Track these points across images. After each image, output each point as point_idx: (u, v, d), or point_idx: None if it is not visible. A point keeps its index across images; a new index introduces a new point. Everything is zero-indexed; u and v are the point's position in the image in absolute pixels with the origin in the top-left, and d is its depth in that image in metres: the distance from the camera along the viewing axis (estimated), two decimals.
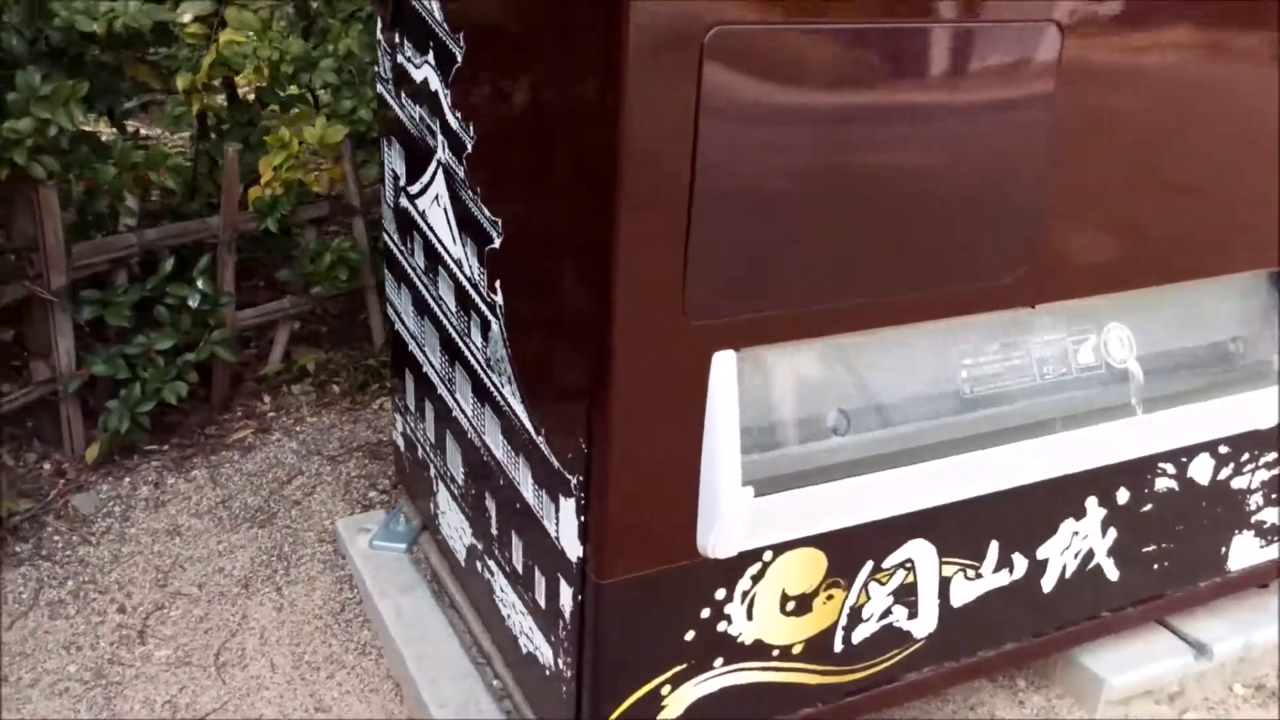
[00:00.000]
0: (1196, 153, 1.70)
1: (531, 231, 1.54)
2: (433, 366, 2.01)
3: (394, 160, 2.09)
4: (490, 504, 1.83)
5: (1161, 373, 1.83)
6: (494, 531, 1.84)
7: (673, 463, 1.45)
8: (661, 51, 1.24)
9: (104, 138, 2.97)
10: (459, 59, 1.68)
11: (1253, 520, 2.12)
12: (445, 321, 1.91)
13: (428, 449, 2.15)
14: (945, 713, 2.04)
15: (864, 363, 1.58)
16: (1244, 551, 2.14)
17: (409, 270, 2.09)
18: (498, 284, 1.64)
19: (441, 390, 1.99)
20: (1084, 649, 2.08)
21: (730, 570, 1.56)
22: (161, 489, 2.55)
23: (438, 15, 1.71)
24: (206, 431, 2.79)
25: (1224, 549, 2.11)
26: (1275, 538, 2.17)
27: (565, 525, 1.52)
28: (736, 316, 1.41)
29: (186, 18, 2.85)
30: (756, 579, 1.59)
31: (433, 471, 2.14)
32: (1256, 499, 2.09)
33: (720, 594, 1.57)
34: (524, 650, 1.78)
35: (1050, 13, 1.44)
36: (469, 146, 1.70)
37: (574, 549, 1.51)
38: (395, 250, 2.17)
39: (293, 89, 3.00)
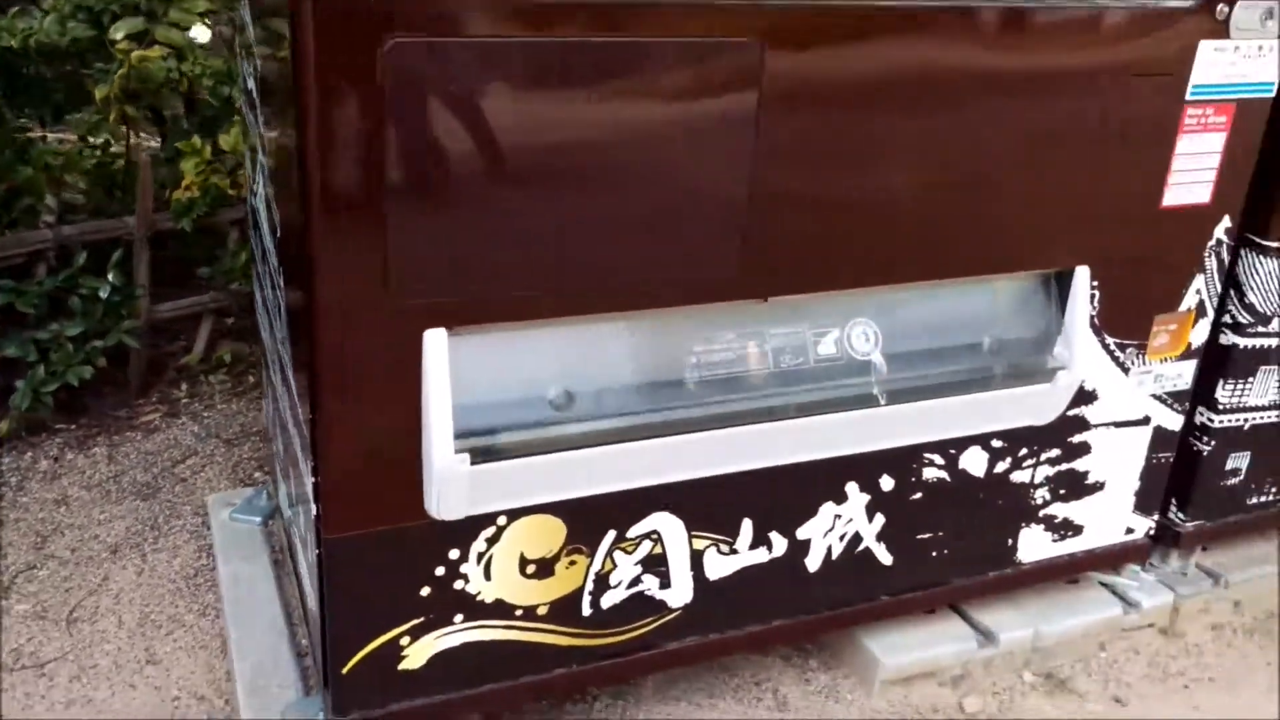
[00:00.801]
0: (942, 158, 1.82)
1: (286, 223, 1.72)
2: (273, 351, 2.20)
3: (252, 163, 2.29)
4: (291, 474, 2.01)
5: (924, 367, 1.95)
6: (292, 499, 2.02)
7: (394, 430, 1.61)
8: (343, 61, 1.41)
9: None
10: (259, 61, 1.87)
11: (1041, 514, 2.21)
12: (271, 310, 2.10)
13: (274, 428, 2.34)
14: (730, 685, 2.16)
15: (593, 347, 1.72)
16: (1034, 545, 2.24)
17: (257, 264, 2.29)
18: (282, 273, 1.83)
19: (275, 373, 2.18)
20: (868, 630, 2.19)
21: (463, 532, 1.71)
22: (60, 463, 2.77)
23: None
24: (117, 414, 3.01)
25: (1011, 541, 2.21)
26: (1070, 532, 2.26)
27: (310, 486, 1.69)
28: (443, 298, 1.57)
29: (119, 35, 3.09)
30: (492, 541, 1.74)
31: (277, 448, 2.32)
32: (1043, 493, 2.19)
33: (454, 554, 1.72)
34: (310, 606, 1.94)
35: (748, 28, 1.58)
36: (263, 146, 1.88)
37: (313, 508, 1.67)
38: (253, 247, 2.37)
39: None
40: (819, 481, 1.96)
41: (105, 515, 2.60)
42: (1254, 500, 2.46)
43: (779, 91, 1.61)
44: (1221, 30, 1.88)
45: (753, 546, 1.96)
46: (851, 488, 1.99)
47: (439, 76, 1.45)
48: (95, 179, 3.09)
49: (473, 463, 1.63)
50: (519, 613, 1.82)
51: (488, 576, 1.76)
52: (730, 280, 1.73)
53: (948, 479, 2.07)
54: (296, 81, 1.43)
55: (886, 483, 2.02)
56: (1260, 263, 2.18)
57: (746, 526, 1.94)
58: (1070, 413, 2.12)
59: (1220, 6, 1.86)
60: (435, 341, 1.57)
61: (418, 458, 1.63)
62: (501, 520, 1.73)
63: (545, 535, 1.78)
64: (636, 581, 1.89)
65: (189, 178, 3.08)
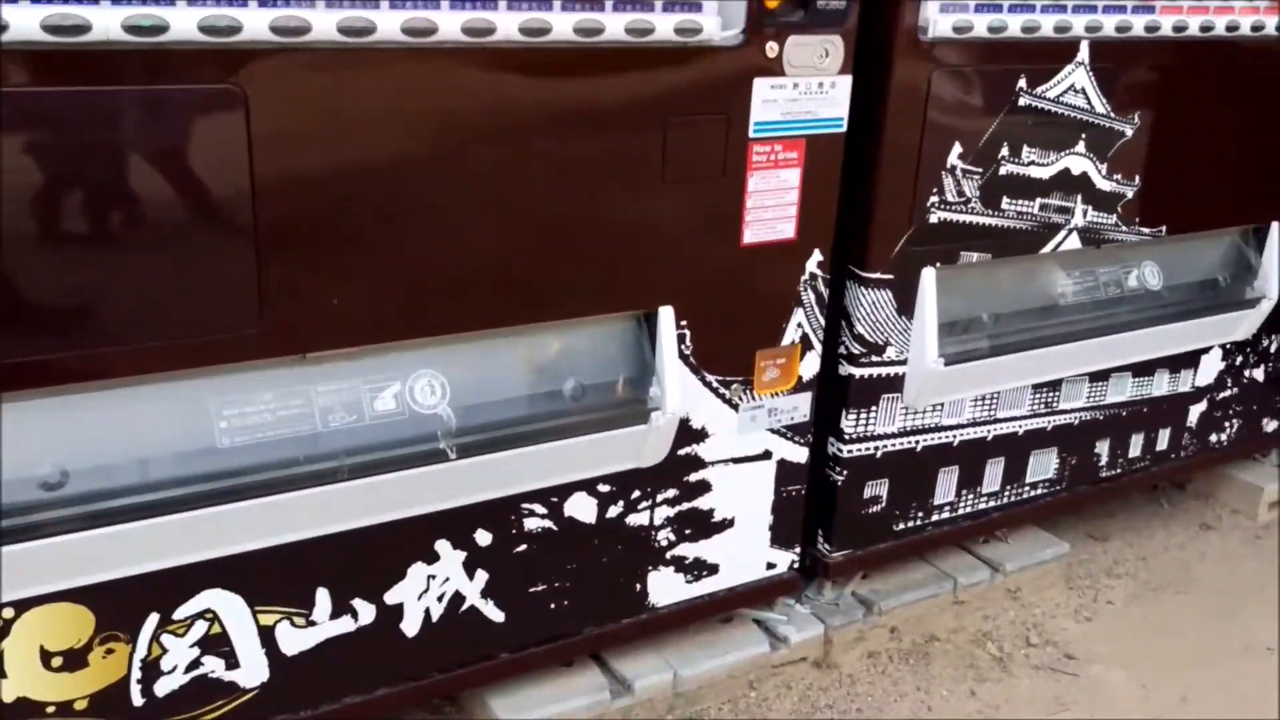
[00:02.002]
0: (498, 201, 1.76)
1: None
2: None
3: None
4: None
5: (505, 416, 1.89)
6: None
7: None
8: None
9: None
10: None
11: (669, 556, 2.18)
12: None
13: None
14: None
15: (101, 416, 1.60)
16: (667, 588, 2.20)
17: None
18: None
19: None
20: (494, 689, 2.11)
21: None
22: None
23: None
24: None
25: (639, 586, 2.17)
26: (705, 572, 2.24)
27: None
28: None
29: None
30: (0, 636, 1.59)
31: None
32: (666, 535, 2.15)
33: None
34: None
35: (230, 78, 1.50)
36: None
37: None
38: None
39: None
40: (402, 543, 1.87)
41: None
42: (902, 526, 2.49)
43: (270, 136, 1.53)
44: (777, 68, 1.89)
45: (334, 616, 1.85)
46: (443, 546, 1.91)
47: None
48: None
49: None
50: (51, 709, 1.66)
51: (2, 674, 1.61)
52: (255, 337, 1.63)
53: (554, 528, 2.02)
54: None
55: (484, 537, 1.95)
56: (863, 294, 2.20)
57: (323, 596, 1.83)
58: (681, 452, 2.09)
59: (770, 44, 1.87)
60: None
61: None
62: (7, 613, 1.59)
63: (69, 624, 1.63)
64: (196, 664, 1.76)
65: None
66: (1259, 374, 2.99)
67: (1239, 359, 2.93)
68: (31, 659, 1.63)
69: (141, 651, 1.70)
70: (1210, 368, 2.88)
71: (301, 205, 1.60)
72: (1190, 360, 2.82)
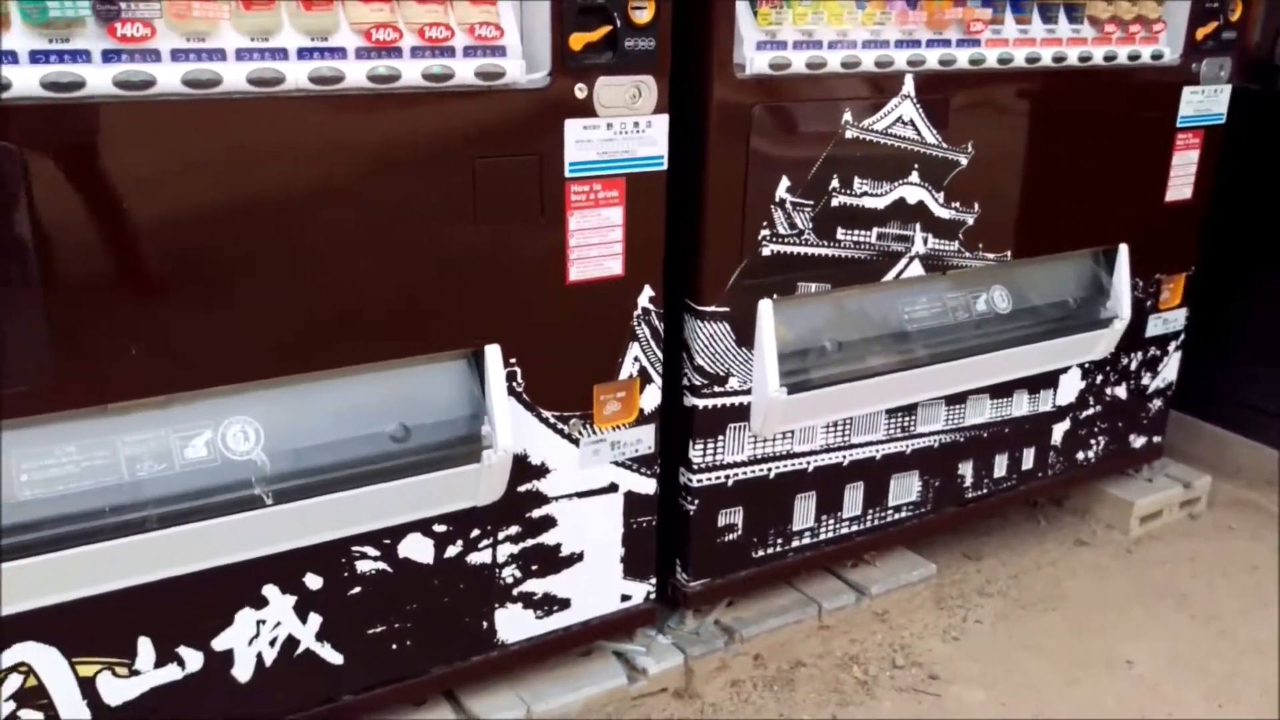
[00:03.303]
0: (298, 243, 1.78)
1: None
2: None
3: None
4: None
5: (327, 459, 1.90)
6: None
7: None
8: None
9: None
10: None
11: (516, 593, 2.19)
12: None
13: None
14: None
15: None
16: (516, 624, 2.21)
17: None
18: None
19: None
20: None
21: None
22: None
23: None
24: None
25: (486, 624, 2.18)
26: (555, 606, 2.25)
27: None
28: None
29: None
30: None
31: None
32: (512, 572, 2.17)
33: None
34: None
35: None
36: None
37: None
38: None
39: None
40: (227, 589, 1.88)
41: None
42: (762, 553, 2.52)
43: (49, 188, 1.55)
44: (589, 109, 1.94)
45: (159, 665, 1.85)
46: (271, 590, 1.92)
47: None
48: None
49: None
50: None
51: None
52: (53, 389, 1.64)
53: (389, 569, 2.03)
54: None
55: (314, 581, 1.95)
56: (700, 326, 2.24)
57: (145, 645, 1.83)
58: (521, 489, 2.11)
59: (579, 85, 1.91)
60: None
61: None
62: None
63: None
64: (14, 718, 1.75)
65: None
66: (1121, 391, 3.07)
67: (1099, 377, 3.00)
68: None
69: None
70: (1071, 387, 2.94)
71: (89, 256, 1.61)
72: (1050, 380, 2.89)
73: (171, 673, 1.87)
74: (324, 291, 1.82)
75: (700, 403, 2.30)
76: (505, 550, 2.15)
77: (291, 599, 1.94)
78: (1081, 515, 3.29)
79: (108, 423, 1.72)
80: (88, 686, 1.80)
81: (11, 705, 1.74)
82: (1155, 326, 3.06)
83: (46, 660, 1.75)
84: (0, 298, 1.57)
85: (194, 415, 1.79)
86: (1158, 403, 3.18)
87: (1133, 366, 3.06)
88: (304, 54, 1.67)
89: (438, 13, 1.78)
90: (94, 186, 1.58)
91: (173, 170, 1.64)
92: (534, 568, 2.19)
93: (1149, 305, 3.01)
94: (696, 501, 2.38)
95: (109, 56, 1.56)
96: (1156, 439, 3.24)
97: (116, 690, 1.82)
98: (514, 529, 2.14)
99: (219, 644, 1.90)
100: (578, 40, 1.89)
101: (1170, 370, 3.16)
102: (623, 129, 1.99)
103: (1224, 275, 3.30)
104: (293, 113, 1.70)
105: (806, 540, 2.59)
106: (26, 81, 1.50)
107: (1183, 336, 3.14)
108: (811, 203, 2.28)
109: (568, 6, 1.88)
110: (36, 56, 1.52)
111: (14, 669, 1.73)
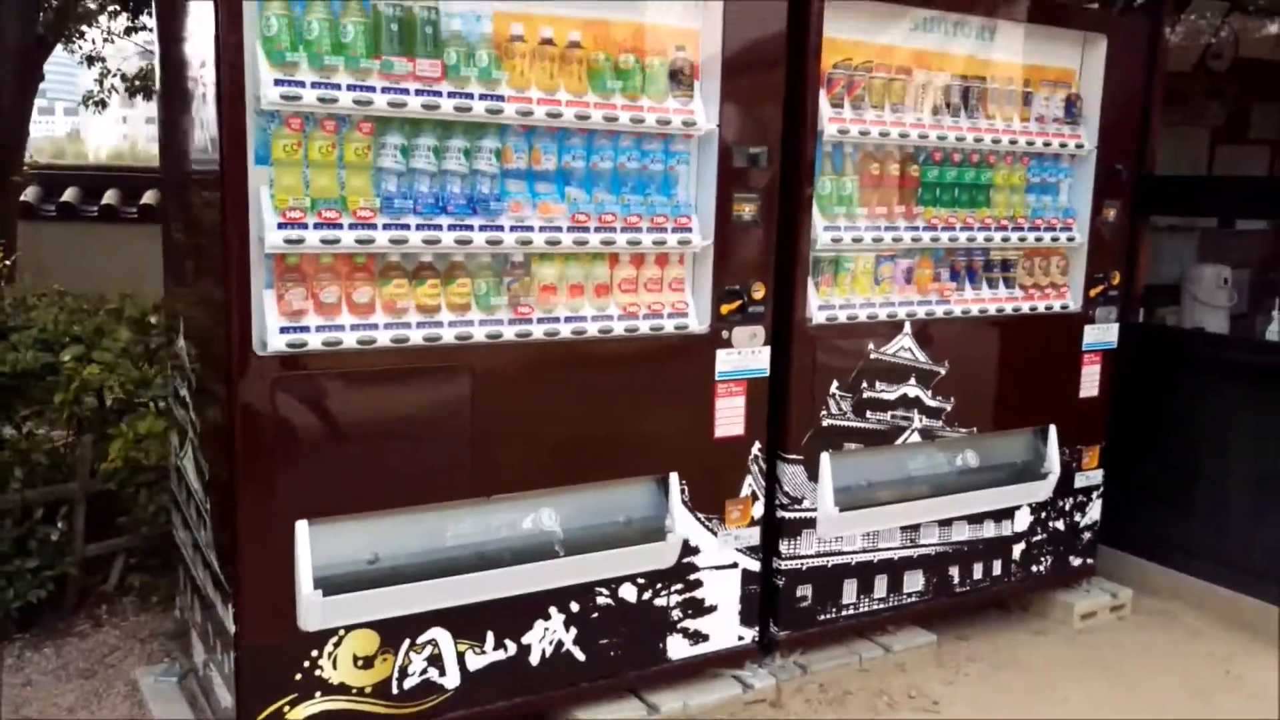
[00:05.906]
0: (579, 413, 3.37)
1: (215, 476, 3.11)
2: (194, 553, 3.49)
3: (181, 438, 3.68)
4: (209, 631, 3.28)
5: (584, 533, 3.42)
6: (205, 637, 3.28)
7: (278, 580, 2.96)
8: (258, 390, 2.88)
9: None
10: None
11: (679, 627, 3.65)
12: (194, 527, 3.43)
13: (191, 611, 3.60)
14: None
15: (404, 526, 3.13)
16: (679, 648, 3.66)
17: (180, 502, 3.63)
18: (208, 500, 3.19)
19: (197, 568, 3.47)
20: (581, 708, 3.52)
21: (319, 640, 3.03)
22: (22, 659, 3.89)
23: None
24: (58, 625, 4.15)
25: (662, 645, 3.63)
26: (701, 639, 3.70)
27: (228, 616, 2.99)
28: (304, 501, 2.97)
29: (66, 357, 4.46)
30: (337, 645, 3.05)
31: (194, 621, 3.57)
32: (677, 613, 3.64)
33: (314, 653, 3.03)
34: (224, 705, 3.17)
35: (462, 360, 3.15)
36: (194, 426, 3.30)
37: (232, 628, 2.97)
38: (174, 490, 3.71)
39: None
40: (531, 606, 3.36)
41: (59, 690, 3.73)
42: (822, 617, 3.98)
43: (484, 386, 3.15)
44: (728, 343, 3.56)
45: (495, 649, 3.32)
46: (553, 610, 3.40)
47: (308, 398, 2.93)
48: (51, 457, 4.36)
49: (324, 595, 2.97)
50: (354, 691, 3.10)
51: (335, 667, 3.06)
52: (467, 485, 3.19)
53: (613, 604, 3.50)
54: (226, 415, 2.87)
55: (574, 606, 3.44)
56: (786, 468, 3.79)
57: (490, 636, 3.30)
58: (684, 560, 3.61)
59: (724, 332, 3.54)
60: (301, 529, 2.96)
61: (294, 595, 2.97)
62: (341, 632, 3.06)
63: (367, 642, 3.10)
64: (424, 671, 3.21)
65: (114, 454, 4.38)
66: (1060, 525, 4.55)
67: (1044, 514, 4.49)
68: (348, 660, 3.08)
69: (399, 661, 3.16)
70: (1023, 520, 4.43)
71: (494, 422, 3.20)
72: (1009, 514, 4.38)
73: (501, 654, 3.33)
74: (592, 441, 3.39)
75: (786, 515, 3.81)
76: (675, 598, 3.62)
77: (563, 616, 3.42)
78: (1039, 614, 4.70)
79: (491, 506, 3.26)
80: (460, 658, 3.26)
81: (425, 664, 3.21)
82: (1080, 481, 4.57)
83: (445, 639, 3.22)
84: (448, 437, 3.15)
85: (525, 504, 3.33)
86: (1087, 534, 4.65)
87: (1067, 508, 4.55)
88: (595, 318, 3.32)
89: (657, 298, 3.43)
90: (492, 395, 3.19)
91: (522, 380, 3.25)
92: (689, 611, 3.66)
93: (1074, 466, 4.54)
94: (783, 579, 3.85)
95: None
96: (1089, 560, 4.69)
97: (473, 661, 3.28)
98: (679, 585, 3.62)
99: (525, 639, 3.36)
100: (724, 309, 3.53)
101: (1094, 511, 4.65)
102: (745, 354, 3.60)
103: (1132, 449, 4.83)
104: (588, 349, 3.32)
105: (850, 611, 4.04)
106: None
107: (1101, 489, 4.64)
108: (851, 394, 3.86)
109: (715, 289, 3.52)
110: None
111: (429, 642, 3.20)
